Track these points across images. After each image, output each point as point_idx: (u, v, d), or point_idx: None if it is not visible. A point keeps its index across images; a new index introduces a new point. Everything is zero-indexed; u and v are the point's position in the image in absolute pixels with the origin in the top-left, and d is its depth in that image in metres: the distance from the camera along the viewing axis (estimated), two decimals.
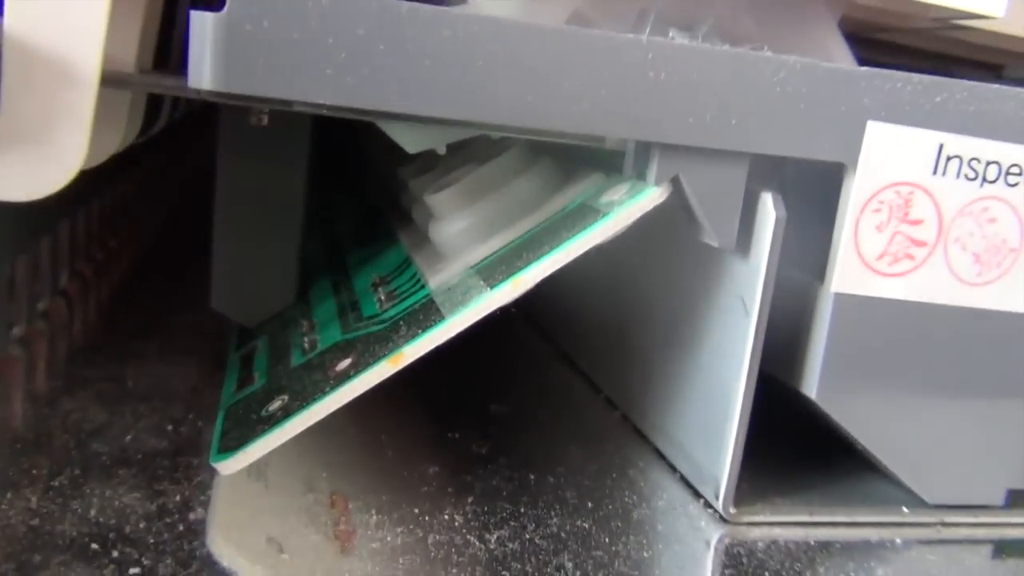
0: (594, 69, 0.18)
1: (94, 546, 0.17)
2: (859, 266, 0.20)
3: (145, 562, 0.17)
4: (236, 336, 0.27)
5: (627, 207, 0.19)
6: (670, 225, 0.22)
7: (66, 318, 0.31)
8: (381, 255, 0.27)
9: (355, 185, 0.37)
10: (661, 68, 0.18)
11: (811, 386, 0.21)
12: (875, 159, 0.20)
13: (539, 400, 0.28)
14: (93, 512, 0.18)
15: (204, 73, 0.16)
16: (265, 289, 0.27)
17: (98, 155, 0.19)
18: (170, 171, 0.53)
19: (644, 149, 0.20)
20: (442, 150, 0.22)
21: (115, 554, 0.17)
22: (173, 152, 0.53)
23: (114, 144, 0.20)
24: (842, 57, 0.24)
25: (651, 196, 0.19)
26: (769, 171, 0.21)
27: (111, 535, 0.17)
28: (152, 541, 0.17)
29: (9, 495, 0.18)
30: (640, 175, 0.20)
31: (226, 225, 0.26)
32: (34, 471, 0.19)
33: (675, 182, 0.19)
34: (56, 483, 0.19)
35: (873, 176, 0.20)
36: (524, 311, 0.35)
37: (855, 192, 0.20)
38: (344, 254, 0.31)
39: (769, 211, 0.19)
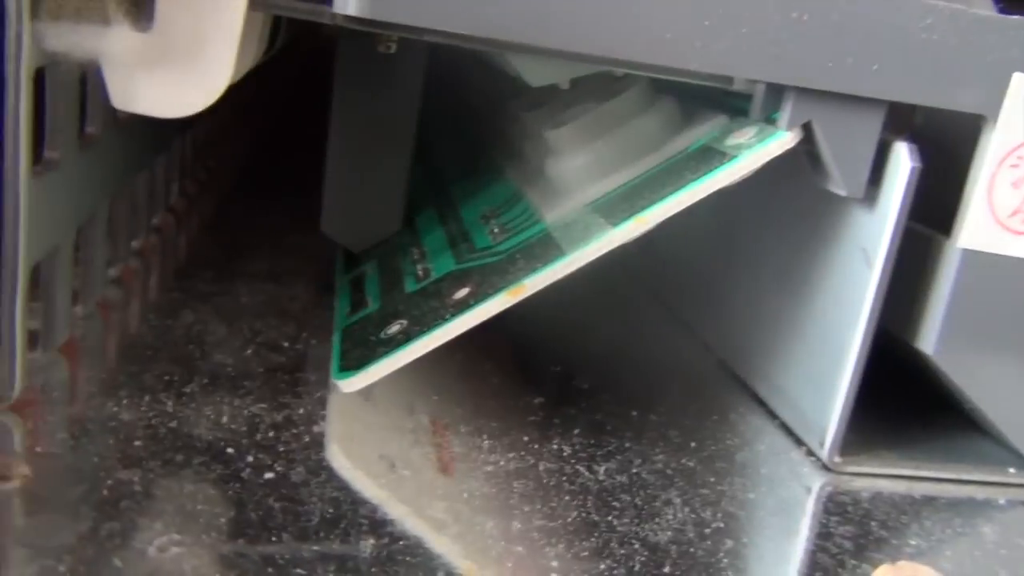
0: (736, 7, 0.18)
1: (229, 450, 0.18)
2: (990, 223, 0.20)
3: (278, 468, 0.17)
4: (343, 260, 0.28)
5: (756, 151, 0.19)
6: (786, 169, 0.21)
7: (174, 233, 0.32)
8: (488, 187, 0.28)
9: (455, 114, 0.37)
10: (805, 9, 0.18)
11: (928, 343, 0.21)
12: (1018, 113, 0.19)
13: (636, 340, 0.29)
14: (225, 419, 0.19)
15: (350, 1, 0.17)
16: (374, 216, 0.27)
17: (236, 74, 0.19)
18: (258, 95, 0.54)
19: (776, 92, 0.19)
20: (565, 85, 0.22)
21: (250, 459, 0.18)
22: (260, 76, 0.54)
23: (248, 64, 0.21)
24: (981, 4, 0.23)
25: (781, 141, 0.19)
26: (900, 118, 0.20)
27: (244, 441, 0.18)
28: (282, 449, 0.18)
29: (147, 399, 0.19)
30: (769, 118, 0.20)
31: (339, 152, 0.26)
32: (166, 377, 0.20)
33: (807, 127, 0.19)
34: (188, 390, 0.20)
35: (1014, 130, 0.19)
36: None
37: (993, 146, 0.19)
38: (447, 184, 0.31)
39: (903, 161, 0.19)
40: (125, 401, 0.19)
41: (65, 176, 0.19)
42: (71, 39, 0.16)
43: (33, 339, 0.19)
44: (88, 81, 0.20)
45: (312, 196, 0.29)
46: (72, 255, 0.21)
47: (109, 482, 0.16)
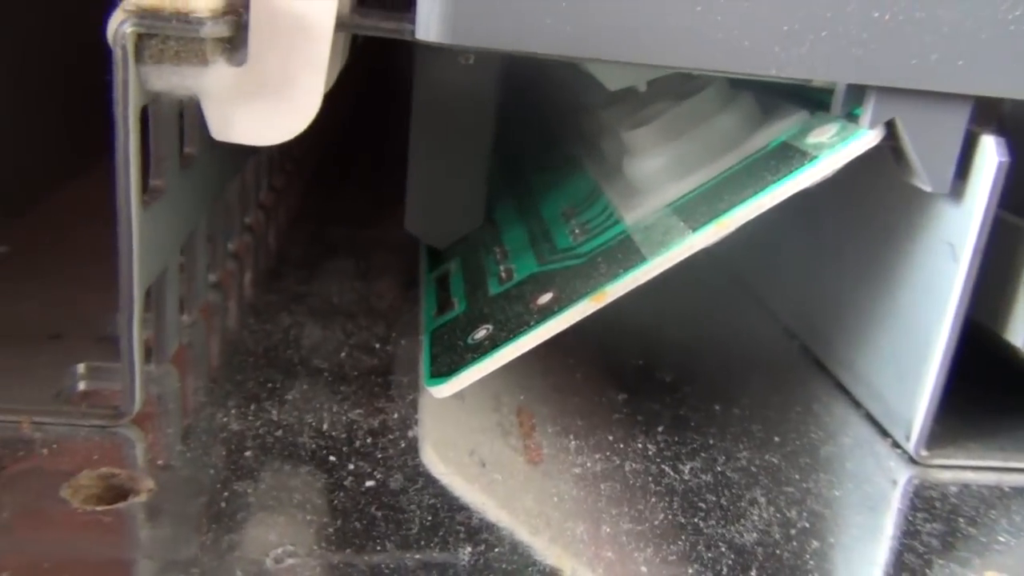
0: (815, 11, 0.18)
1: (332, 458, 0.19)
2: None
3: (377, 475, 0.18)
4: (427, 256, 0.29)
5: (837, 151, 0.19)
6: (869, 160, 0.21)
7: (264, 231, 0.33)
8: (567, 182, 0.28)
9: (532, 106, 0.37)
10: (887, 8, 0.18)
11: (1018, 334, 0.20)
12: None
13: (716, 327, 0.29)
14: (326, 426, 0.20)
15: (432, 28, 0.17)
16: (456, 214, 0.28)
17: (324, 91, 0.20)
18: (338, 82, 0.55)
19: (858, 90, 0.19)
20: (643, 87, 0.22)
21: (351, 467, 0.19)
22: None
23: (333, 79, 0.21)
24: None
25: (863, 140, 0.19)
26: (987, 110, 0.20)
27: (344, 449, 0.19)
28: (380, 456, 0.19)
29: (253, 407, 0.20)
30: (850, 116, 0.20)
31: (421, 152, 0.27)
32: (269, 384, 0.22)
33: (890, 125, 0.19)
34: (290, 397, 0.21)
35: None
36: None
37: None
38: (526, 175, 0.32)
39: (991, 155, 0.19)
40: (233, 411, 0.20)
41: (170, 200, 0.20)
42: (172, 80, 0.17)
43: (147, 352, 0.21)
44: (184, 105, 0.21)
45: (389, 178, 0.30)
46: (178, 269, 0.22)
47: (225, 494, 0.17)
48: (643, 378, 0.24)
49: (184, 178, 0.22)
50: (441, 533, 0.17)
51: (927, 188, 0.20)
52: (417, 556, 0.16)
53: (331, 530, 0.17)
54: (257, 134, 0.18)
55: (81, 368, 0.21)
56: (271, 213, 0.35)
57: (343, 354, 0.24)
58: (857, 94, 0.19)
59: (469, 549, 0.17)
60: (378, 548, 0.16)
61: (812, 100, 0.21)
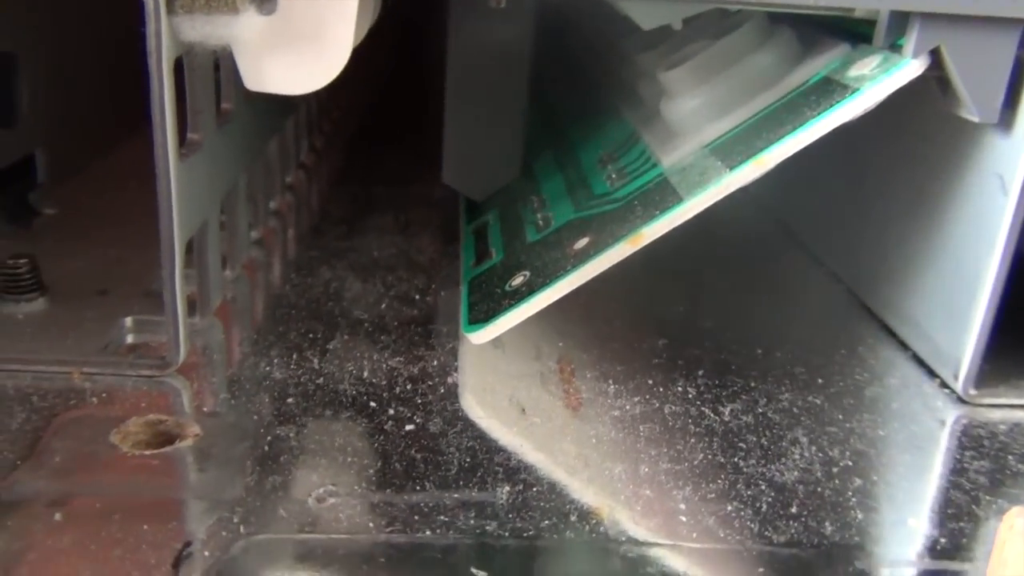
0: None
1: (372, 404, 0.19)
2: None
3: (417, 420, 0.19)
4: (465, 209, 0.29)
5: (879, 82, 0.18)
6: (914, 92, 0.21)
7: (306, 191, 0.34)
8: (604, 129, 0.28)
9: (568, 54, 0.36)
10: None
11: None
12: None
13: (758, 272, 0.28)
14: (366, 374, 0.20)
15: None
16: (494, 165, 0.28)
17: (355, 42, 0.20)
18: (373, 40, 0.55)
19: (900, 18, 0.19)
20: (678, 25, 0.22)
21: (391, 412, 0.19)
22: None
23: (365, 28, 0.21)
24: None
25: (907, 70, 0.18)
26: None
27: (384, 395, 0.20)
28: (419, 401, 0.19)
29: (295, 357, 0.21)
30: (893, 46, 0.19)
31: (457, 104, 0.27)
32: (311, 335, 0.22)
33: (935, 53, 0.18)
34: (331, 347, 0.21)
35: None
36: None
37: None
38: (563, 123, 0.31)
39: None
40: (276, 360, 0.21)
41: (208, 154, 0.20)
42: (204, 29, 0.17)
43: (191, 305, 0.21)
44: (220, 60, 0.21)
45: (427, 140, 0.30)
46: (219, 224, 0.22)
47: (268, 438, 0.18)
48: (684, 324, 0.24)
49: (221, 133, 0.22)
50: (480, 474, 0.17)
51: (975, 118, 0.19)
52: (456, 495, 0.16)
53: (371, 471, 0.17)
54: (288, 83, 0.18)
55: (128, 322, 0.21)
56: (312, 173, 0.35)
57: (383, 305, 0.24)
58: (900, 23, 0.19)
59: (507, 488, 0.17)
60: (417, 488, 0.16)
61: (854, 34, 0.21)
